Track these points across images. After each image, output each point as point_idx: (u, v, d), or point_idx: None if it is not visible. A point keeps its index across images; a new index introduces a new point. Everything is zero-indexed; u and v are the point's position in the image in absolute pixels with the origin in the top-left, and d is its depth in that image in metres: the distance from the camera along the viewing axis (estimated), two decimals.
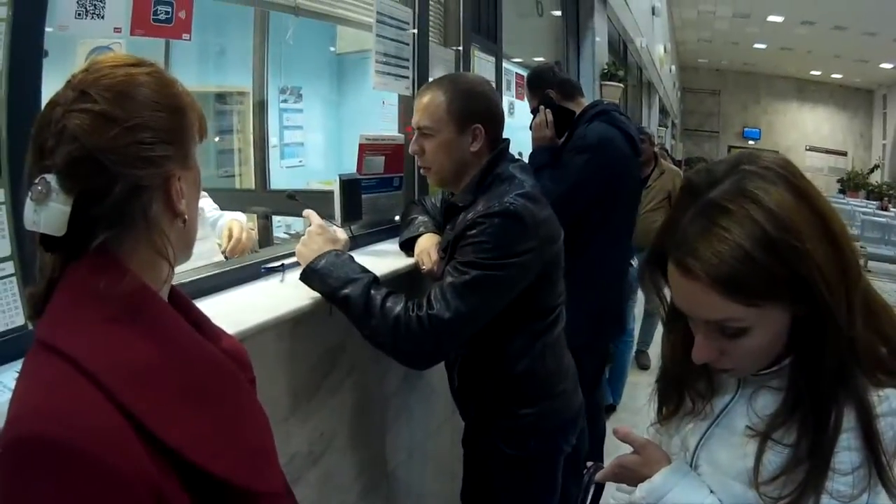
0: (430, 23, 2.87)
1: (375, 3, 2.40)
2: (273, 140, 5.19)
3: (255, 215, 3.99)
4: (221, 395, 0.88)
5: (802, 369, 0.97)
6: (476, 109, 1.84)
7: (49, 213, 0.77)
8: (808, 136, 24.59)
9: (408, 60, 2.62)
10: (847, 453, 0.93)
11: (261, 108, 4.14)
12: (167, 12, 1.63)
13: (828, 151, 24.14)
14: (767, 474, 0.98)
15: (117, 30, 1.54)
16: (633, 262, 3.90)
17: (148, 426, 0.75)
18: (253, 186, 4.43)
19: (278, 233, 3.63)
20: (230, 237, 2.21)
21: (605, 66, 6.06)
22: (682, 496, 1.08)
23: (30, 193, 0.79)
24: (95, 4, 1.49)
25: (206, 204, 2.96)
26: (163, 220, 0.86)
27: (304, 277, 1.73)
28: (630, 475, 1.17)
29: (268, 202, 3.80)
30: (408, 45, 2.61)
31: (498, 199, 1.73)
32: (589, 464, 1.28)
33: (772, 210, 0.88)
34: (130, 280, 0.81)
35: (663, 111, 17.29)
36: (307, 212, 1.87)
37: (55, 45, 1.47)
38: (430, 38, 2.84)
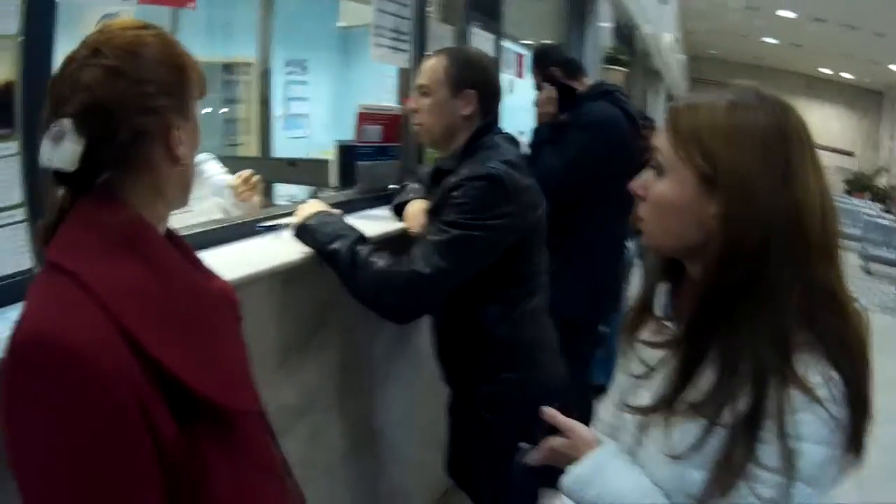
0: None
1: None
2: (278, 111, 5.25)
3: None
4: (205, 320, 0.95)
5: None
6: (472, 77, 1.92)
7: (63, 151, 0.86)
8: (815, 133, 24.23)
9: (407, 34, 2.66)
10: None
11: (265, 78, 4.18)
12: None
13: (835, 150, 23.97)
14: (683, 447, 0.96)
15: None
16: (628, 244, 3.96)
17: (137, 340, 0.82)
18: (256, 154, 4.48)
19: (280, 202, 3.68)
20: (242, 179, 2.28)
21: (609, 51, 6.06)
22: (611, 481, 1.06)
23: (46, 135, 0.88)
24: None
25: (213, 168, 3.02)
26: (162, 164, 0.95)
27: (296, 233, 1.82)
28: (560, 459, 1.14)
29: (269, 170, 3.87)
30: (407, 19, 2.65)
31: (481, 164, 1.80)
32: (523, 445, 1.23)
33: (735, 106, 0.95)
34: (130, 214, 0.91)
35: (671, 100, 17.20)
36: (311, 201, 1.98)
37: (65, 14, 1.52)
38: (430, 14, 2.87)
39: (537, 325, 2.03)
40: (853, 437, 0.90)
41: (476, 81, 1.92)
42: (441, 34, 2.97)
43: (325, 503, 2.08)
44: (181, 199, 1.04)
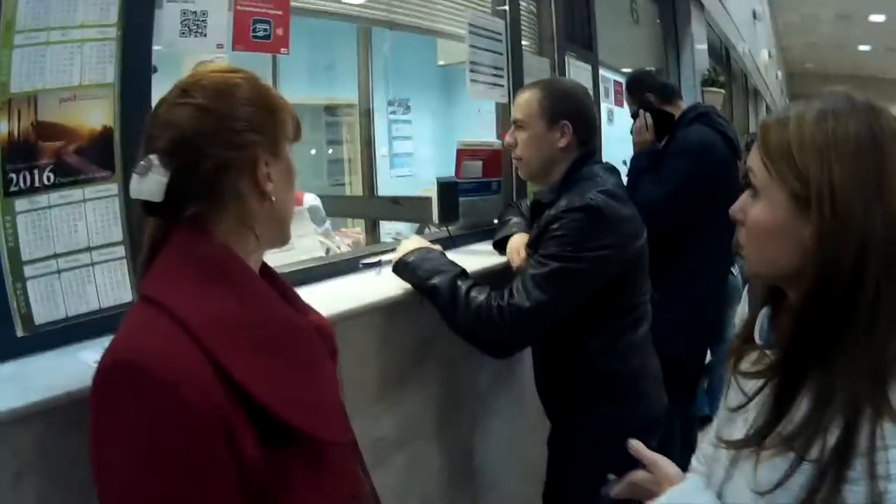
0: (524, 32, 2.90)
1: (468, 16, 2.46)
2: (382, 150, 5.34)
3: (363, 220, 4.16)
4: (294, 351, 0.96)
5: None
6: (566, 108, 1.89)
7: (149, 182, 0.90)
8: None
9: (502, 69, 2.65)
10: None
11: (367, 118, 4.27)
12: (265, 30, 1.74)
13: None
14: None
15: (220, 46, 1.66)
16: (734, 271, 3.79)
17: (226, 369, 0.84)
18: (361, 193, 4.56)
19: (386, 238, 3.72)
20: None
21: (706, 72, 5.89)
22: None
23: (135, 169, 0.92)
24: (198, 24, 1.61)
25: (316, 211, 3.10)
26: (250, 199, 0.96)
27: (396, 269, 1.82)
28: (644, 494, 1.11)
29: (374, 208, 3.93)
30: (501, 54, 2.65)
31: (580, 195, 1.75)
32: (610, 477, 1.22)
33: (826, 116, 0.86)
34: (220, 247, 0.93)
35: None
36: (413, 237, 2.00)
37: (164, 61, 1.62)
38: (524, 48, 2.86)
39: (640, 357, 1.96)
40: None
41: (571, 112, 1.89)
42: (537, 67, 2.97)
43: None
44: (276, 237, 1.06)
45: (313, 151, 5.56)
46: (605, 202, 1.73)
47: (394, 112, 6.00)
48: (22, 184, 1.31)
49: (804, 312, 0.86)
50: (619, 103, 4.14)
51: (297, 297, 1.15)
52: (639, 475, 1.13)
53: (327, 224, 3.30)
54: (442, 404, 2.08)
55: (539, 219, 1.84)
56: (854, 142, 0.84)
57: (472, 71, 2.49)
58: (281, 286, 1.10)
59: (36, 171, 1.32)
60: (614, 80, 4.12)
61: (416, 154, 6.08)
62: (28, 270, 1.30)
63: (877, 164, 0.83)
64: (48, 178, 1.33)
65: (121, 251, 1.38)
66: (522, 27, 2.92)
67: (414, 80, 5.87)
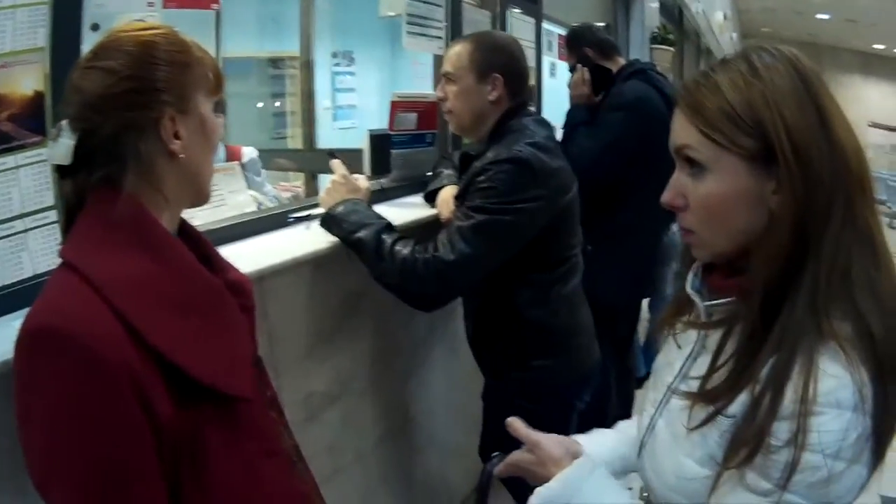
0: None
1: None
2: (326, 103, 5.28)
3: (302, 173, 4.13)
4: (206, 309, 0.97)
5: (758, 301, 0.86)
6: (497, 61, 1.90)
7: (59, 147, 0.92)
8: (870, 111, 23.27)
9: (440, 21, 2.64)
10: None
11: (308, 70, 4.21)
12: None
13: (891, 129, 23.06)
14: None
15: (150, 4, 1.63)
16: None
17: (136, 328, 0.86)
18: (300, 147, 4.52)
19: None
20: None
21: (656, 30, 5.92)
22: (586, 500, 0.99)
23: (50, 136, 0.96)
24: None
25: (253, 164, 3.07)
26: (157, 159, 0.97)
27: (323, 222, 1.81)
28: (528, 475, 1.09)
29: (312, 161, 3.91)
30: (440, 6, 2.63)
31: (507, 147, 1.77)
32: (494, 455, 1.19)
33: (757, 70, 0.86)
34: (130, 208, 0.93)
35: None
36: (333, 162, 1.94)
37: (108, 19, 1.54)
38: (465, 1, 2.84)
39: (572, 310, 2.00)
40: (880, 409, 0.80)
41: (501, 65, 1.90)
42: (477, 19, 2.95)
43: (357, 489, 2.10)
44: (191, 195, 1.06)
45: (260, 105, 5.47)
46: (533, 154, 1.75)
47: (337, 64, 5.92)
48: None
49: (775, 265, 0.84)
50: (562, 57, 4.13)
51: (216, 254, 1.15)
52: (519, 456, 1.12)
53: (263, 177, 3.27)
54: (374, 358, 2.11)
55: (467, 171, 1.85)
56: (791, 87, 0.85)
57: (409, 23, 2.48)
58: (198, 243, 1.11)
59: None
60: (558, 34, 4.11)
61: (361, 106, 6.02)
62: None
63: (814, 101, 0.84)
64: None
65: (53, 216, 1.36)
66: None
67: (358, 32, 5.80)
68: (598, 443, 1.20)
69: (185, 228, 1.10)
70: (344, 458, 2.02)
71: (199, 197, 1.08)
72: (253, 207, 2.24)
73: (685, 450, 0.92)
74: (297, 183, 4.28)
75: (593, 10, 5.46)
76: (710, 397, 0.89)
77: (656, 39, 5.91)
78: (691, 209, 0.92)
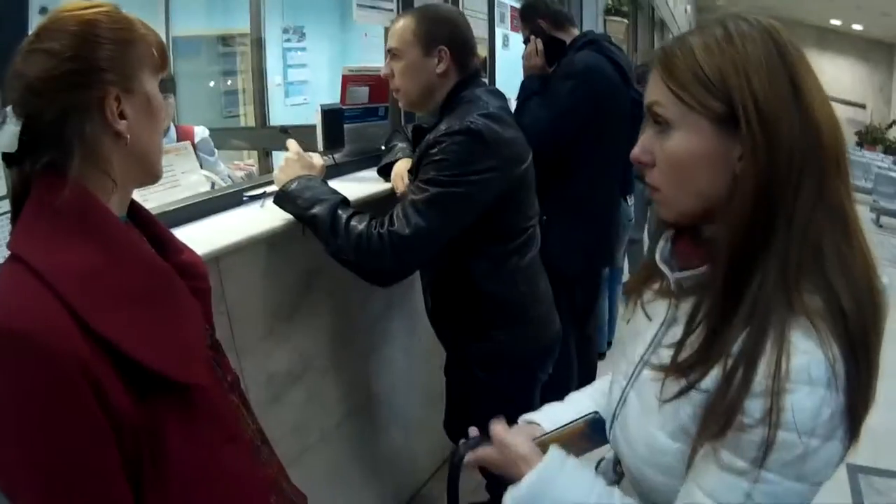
0: None
1: None
2: (277, 79, 5.21)
3: (255, 151, 4.09)
4: (156, 296, 0.95)
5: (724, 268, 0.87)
6: (441, 33, 1.88)
7: (4, 134, 0.90)
8: (827, 85, 22.81)
9: None
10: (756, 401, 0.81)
11: (258, 47, 4.15)
12: None
13: (847, 103, 23.48)
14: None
15: None
16: (628, 200, 3.91)
17: (86, 319, 0.84)
18: (253, 125, 4.47)
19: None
20: None
21: (609, 1, 5.94)
22: (561, 495, 1.01)
23: None
24: None
25: (205, 143, 3.03)
26: (102, 141, 0.95)
27: (277, 200, 1.79)
28: (496, 468, 1.11)
29: (265, 139, 3.86)
30: None
31: (459, 119, 1.75)
32: (472, 431, 1.20)
33: (732, 37, 0.87)
34: (77, 195, 0.90)
35: None
36: (288, 141, 1.92)
37: (50, 3, 1.52)
38: None
39: (529, 281, 2.01)
40: (853, 385, 0.81)
41: (446, 37, 1.88)
42: None
43: (324, 467, 2.11)
44: (140, 175, 1.04)
45: (211, 84, 5.38)
46: (486, 125, 1.74)
47: (288, 40, 5.84)
48: None
49: (740, 232, 0.85)
50: (514, 28, 4.15)
51: (169, 236, 1.14)
52: (489, 454, 1.13)
53: (215, 157, 3.23)
54: (334, 335, 2.11)
55: (420, 143, 1.84)
56: (765, 56, 0.85)
57: None
58: (150, 226, 1.10)
59: None
60: (511, 6, 4.10)
61: (312, 82, 5.96)
62: None
63: (788, 73, 0.85)
64: None
65: (6, 205, 1.30)
66: None
67: (309, 6, 5.72)
68: (553, 415, 1.24)
69: (136, 211, 1.09)
70: (309, 437, 2.02)
71: (149, 177, 1.06)
72: (206, 187, 2.22)
73: (657, 423, 0.93)
74: (250, 161, 4.23)
75: None
76: (682, 370, 0.89)
77: (609, 11, 5.93)
78: (657, 166, 0.93)
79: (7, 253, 0.91)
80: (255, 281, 1.77)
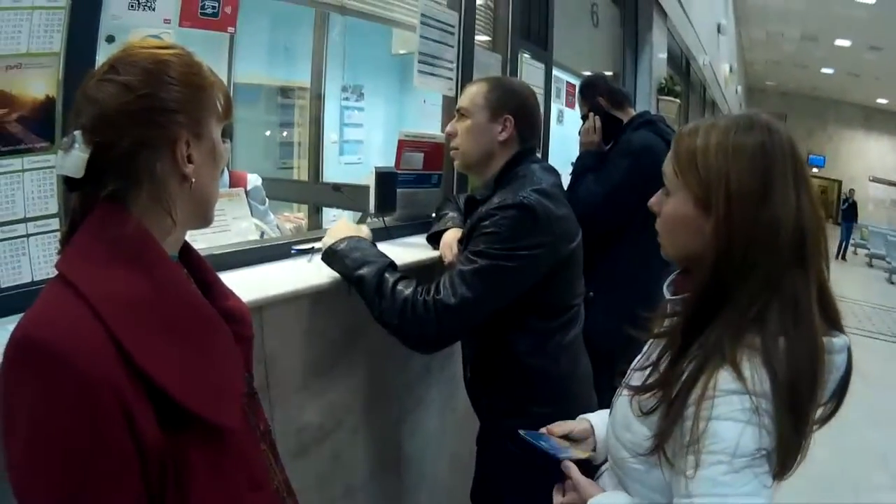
0: (480, 27, 2.91)
1: (420, 5, 2.47)
2: (333, 136, 5.30)
3: (306, 205, 4.14)
4: (198, 335, 0.96)
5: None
6: (511, 102, 1.92)
7: (71, 158, 0.91)
8: (872, 166, 23.58)
9: (452, 62, 2.68)
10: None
11: (318, 102, 4.24)
12: (214, 7, 1.76)
13: (892, 183, 23.21)
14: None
15: (167, 21, 1.68)
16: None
17: (126, 348, 0.85)
18: (307, 178, 4.53)
19: (329, 224, 3.70)
20: None
21: (663, 81, 5.98)
22: None
23: (60, 144, 0.94)
24: None
25: (257, 192, 3.07)
26: (169, 181, 0.97)
27: (325, 257, 1.80)
28: None
29: (317, 194, 3.91)
30: (452, 47, 2.67)
31: (513, 193, 1.76)
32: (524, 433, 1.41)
33: (727, 146, 1.07)
34: (134, 227, 0.93)
35: None
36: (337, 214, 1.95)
37: (121, 31, 1.62)
38: (478, 43, 2.88)
39: (572, 359, 1.98)
40: (782, 447, 0.98)
41: (514, 108, 1.92)
42: (489, 63, 2.98)
43: None
44: (197, 219, 1.07)
45: (268, 133, 5.48)
46: (538, 201, 1.75)
47: (347, 98, 5.96)
48: None
49: (701, 288, 1.07)
50: (570, 105, 4.19)
51: (217, 281, 1.16)
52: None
53: (266, 206, 3.26)
54: (369, 394, 2.09)
55: (472, 215, 1.85)
56: (749, 157, 1.05)
57: (420, 62, 2.51)
58: (200, 268, 1.12)
59: None
60: (567, 82, 4.15)
61: (367, 142, 6.05)
62: None
63: (765, 177, 1.04)
64: None
65: (55, 224, 1.37)
66: (478, 22, 2.93)
67: (369, 67, 5.83)
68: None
69: (188, 252, 1.11)
70: (333, 492, 1.99)
71: (204, 221, 1.09)
72: (256, 235, 2.25)
73: (628, 434, 1.17)
74: (300, 214, 4.28)
75: (602, 58, 5.50)
76: (644, 392, 1.11)
77: (663, 90, 5.97)
78: (661, 217, 1.18)
79: (53, 271, 0.93)
80: (296, 334, 1.78)
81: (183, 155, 0.97)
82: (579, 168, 2.92)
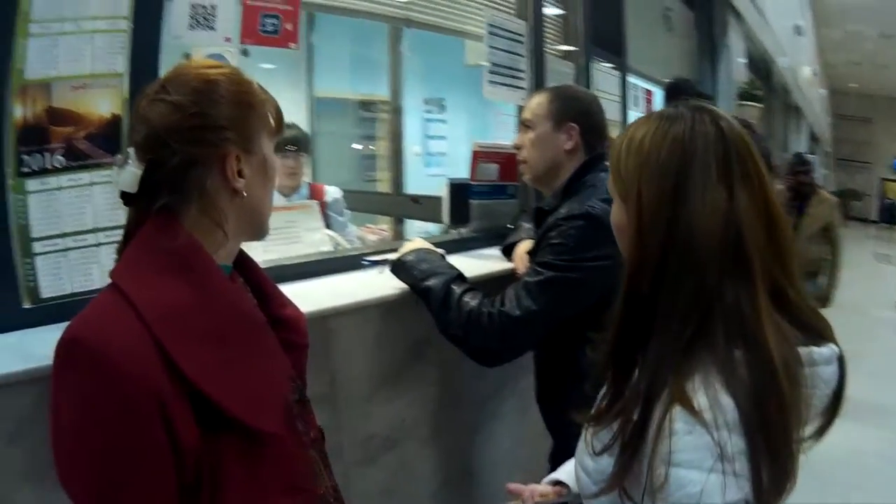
0: (552, 36, 2.82)
1: (487, 16, 2.41)
2: (416, 149, 5.29)
3: (391, 218, 4.11)
4: (242, 342, 0.97)
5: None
6: (573, 110, 1.85)
7: (125, 174, 0.95)
8: None
9: (523, 72, 2.60)
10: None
11: (397, 115, 4.23)
12: (274, 24, 1.77)
13: None
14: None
15: (227, 39, 1.71)
16: None
17: (171, 355, 0.86)
18: (388, 191, 4.53)
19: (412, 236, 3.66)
20: None
21: (744, 86, 5.68)
22: None
23: (116, 161, 1.00)
24: (207, 17, 1.67)
25: (337, 204, 3.05)
26: (220, 195, 0.99)
27: (394, 268, 1.78)
28: None
29: (398, 206, 3.89)
30: (523, 56, 2.59)
31: (580, 203, 1.69)
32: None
33: (644, 142, 0.93)
34: (185, 239, 0.95)
35: (814, 138, 16.15)
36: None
37: (174, 52, 1.65)
38: (551, 51, 2.78)
39: None
40: (756, 467, 0.80)
41: (578, 115, 1.84)
42: (562, 71, 2.89)
43: None
44: (250, 231, 1.07)
45: (351, 146, 5.51)
46: (605, 211, 1.61)
47: (429, 111, 5.95)
48: (34, 165, 1.41)
49: (621, 305, 0.95)
50: (649, 112, 3.99)
51: (275, 290, 1.17)
52: None
53: (346, 217, 3.25)
54: (440, 407, 2.03)
55: (541, 226, 1.78)
56: (664, 152, 0.91)
57: (490, 72, 2.44)
58: (257, 278, 1.14)
59: (47, 154, 1.43)
60: (644, 89, 3.98)
61: (452, 154, 6.01)
62: (37, 247, 1.41)
63: (679, 175, 0.89)
64: (59, 161, 1.43)
65: (116, 235, 1.40)
66: (551, 31, 2.84)
67: (445, 79, 5.81)
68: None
69: (245, 263, 1.13)
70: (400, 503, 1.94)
71: (258, 233, 1.09)
72: (329, 247, 2.22)
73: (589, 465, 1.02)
74: (383, 226, 4.26)
75: (679, 64, 5.24)
76: (599, 423, 0.98)
77: (744, 96, 5.67)
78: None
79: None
80: (364, 344, 1.75)
81: (233, 170, 0.98)
82: None
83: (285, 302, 1.17)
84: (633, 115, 3.96)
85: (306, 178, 3.13)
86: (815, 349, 0.89)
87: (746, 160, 0.90)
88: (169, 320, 0.88)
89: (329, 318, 1.61)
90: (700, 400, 0.81)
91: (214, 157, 0.97)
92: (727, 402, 0.81)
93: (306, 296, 1.64)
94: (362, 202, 4.22)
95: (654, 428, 0.83)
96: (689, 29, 5.25)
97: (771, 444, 0.81)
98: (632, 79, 3.70)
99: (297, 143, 2.94)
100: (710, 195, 0.87)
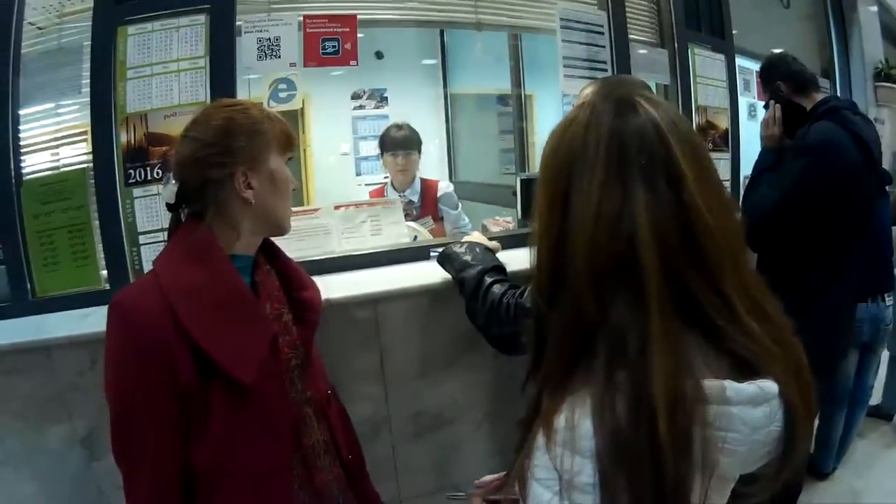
0: (640, 24, 2.71)
1: (558, 10, 2.37)
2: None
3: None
4: (236, 313, 1.21)
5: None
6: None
7: (167, 190, 1.27)
8: None
9: (605, 63, 2.53)
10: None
11: (519, 107, 4.24)
12: (334, 46, 1.96)
13: None
14: None
15: (292, 65, 1.95)
16: (885, 299, 2.91)
17: (179, 317, 1.14)
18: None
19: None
20: None
21: (879, 65, 4.77)
22: None
23: (162, 180, 1.40)
24: (273, 48, 1.91)
25: (449, 197, 3.15)
26: (233, 204, 1.25)
27: (439, 259, 1.80)
28: None
29: (504, 197, 3.88)
30: (603, 47, 2.52)
31: None
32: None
33: (558, 149, 0.82)
34: (204, 236, 1.23)
35: None
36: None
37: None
38: (639, 39, 2.68)
39: None
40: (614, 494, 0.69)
41: None
42: (654, 59, 2.75)
43: None
44: (267, 229, 1.32)
45: (490, 140, 5.50)
46: None
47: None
48: (137, 177, 1.82)
49: (534, 323, 0.85)
50: (762, 97, 3.48)
51: (298, 275, 1.41)
52: None
53: (458, 210, 3.30)
54: (496, 394, 2.03)
55: None
56: (556, 168, 0.81)
57: (566, 66, 2.41)
58: (284, 265, 1.39)
59: (147, 168, 1.82)
60: (756, 71, 3.55)
61: None
62: (141, 239, 1.84)
63: (565, 174, 0.79)
64: (157, 173, 1.81)
65: (161, 236, 1.80)
66: (639, 19, 2.73)
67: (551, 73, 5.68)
68: None
69: (274, 252, 1.39)
70: (451, 479, 1.99)
71: (277, 230, 1.34)
72: (408, 239, 2.31)
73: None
74: (508, 218, 4.28)
75: (798, 43, 4.40)
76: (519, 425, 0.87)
77: (880, 76, 4.77)
78: None
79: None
80: (413, 327, 1.84)
81: (240, 184, 1.23)
82: (758, 168, 2.42)
83: (306, 285, 1.42)
84: (746, 100, 3.55)
85: (420, 173, 3.21)
86: (730, 385, 0.73)
87: (658, 157, 0.76)
88: (182, 293, 1.16)
89: (377, 302, 1.76)
90: (559, 420, 0.74)
91: (224, 176, 1.22)
92: (587, 428, 0.71)
93: (364, 281, 1.84)
94: (496, 195, 4.24)
95: (531, 439, 0.78)
96: (808, 2, 4.53)
97: (635, 484, 0.68)
98: (743, 61, 3.38)
99: (406, 144, 3.06)
100: (597, 200, 0.76)
